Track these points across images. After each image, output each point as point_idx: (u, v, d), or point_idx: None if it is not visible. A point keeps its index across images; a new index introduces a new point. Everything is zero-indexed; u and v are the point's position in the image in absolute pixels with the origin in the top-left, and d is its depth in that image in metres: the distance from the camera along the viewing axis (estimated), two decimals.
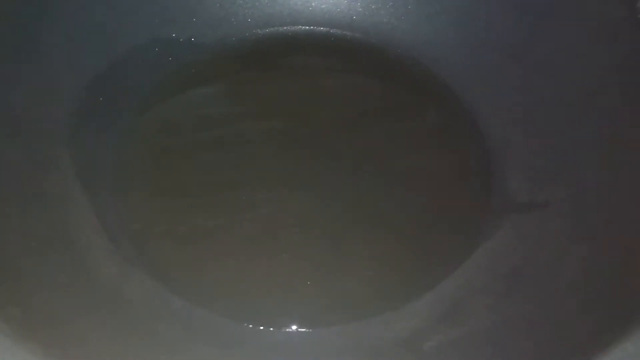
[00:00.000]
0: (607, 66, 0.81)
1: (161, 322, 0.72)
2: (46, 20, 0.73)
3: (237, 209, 0.81)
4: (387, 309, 0.73)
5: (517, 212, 0.80)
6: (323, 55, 0.97)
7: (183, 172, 0.82)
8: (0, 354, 0.60)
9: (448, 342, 0.69)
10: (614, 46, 0.81)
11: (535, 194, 0.80)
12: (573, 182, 0.78)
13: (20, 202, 0.73)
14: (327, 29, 0.97)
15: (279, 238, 0.79)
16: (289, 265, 0.77)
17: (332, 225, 0.80)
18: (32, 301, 0.64)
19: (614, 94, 0.80)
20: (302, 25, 0.98)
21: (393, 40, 0.95)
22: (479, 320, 0.71)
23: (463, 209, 0.81)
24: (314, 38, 0.97)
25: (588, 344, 0.58)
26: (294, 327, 0.73)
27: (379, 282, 0.75)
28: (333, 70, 0.96)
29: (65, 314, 0.66)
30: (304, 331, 0.72)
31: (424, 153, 0.87)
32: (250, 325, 0.73)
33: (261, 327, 0.72)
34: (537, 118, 0.85)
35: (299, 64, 0.96)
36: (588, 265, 0.70)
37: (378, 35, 0.96)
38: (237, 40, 0.95)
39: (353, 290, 0.75)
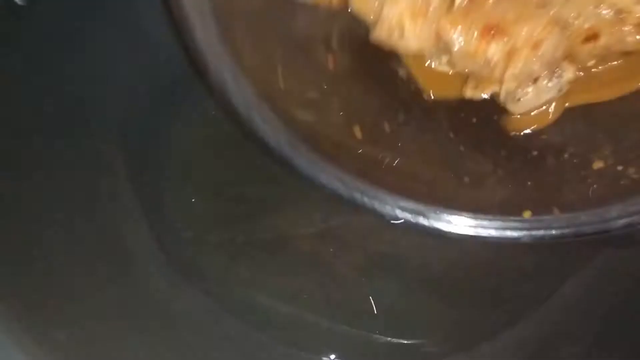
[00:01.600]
0: None
1: (212, 344, 0.68)
2: (99, 17, 0.66)
3: (298, 223, 0.74)
4: None
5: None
6: None
7: (243, 179, 0.75)
8: None
9: None
10: None
11: None
12: None
13: (70, 207, 0.68)
14: None
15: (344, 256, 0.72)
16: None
17: None
18: (79, 324, 0.60)
19: None
20: None
21: None
22: None
23: None
24: None
25: None
26: None
27: None
28: None
29: (112, 336, 0.62)
30: None
31: None
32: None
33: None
34: None
35: None
36: None
37: None
38: None
39: None
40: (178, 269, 0.71)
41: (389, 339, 0.71)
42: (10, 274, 0.65)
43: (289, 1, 0.60)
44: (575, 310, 0.71)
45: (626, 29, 0.59)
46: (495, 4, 0.58)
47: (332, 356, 0.70)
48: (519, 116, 0.62)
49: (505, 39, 0.58)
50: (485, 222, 0.54)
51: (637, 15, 0.58)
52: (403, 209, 0.52)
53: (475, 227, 0.53)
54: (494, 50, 0.58)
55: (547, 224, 0.54)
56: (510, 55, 0.59)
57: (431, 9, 0.58)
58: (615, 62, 0.62)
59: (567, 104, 0.63)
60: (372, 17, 0.59)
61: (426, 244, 0.72)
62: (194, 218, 0.74)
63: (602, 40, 0.60)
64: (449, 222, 0.53)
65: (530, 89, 0.62)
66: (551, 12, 0.58)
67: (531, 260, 0.73)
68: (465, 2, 0.58)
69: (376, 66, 0.62)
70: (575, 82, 0.61)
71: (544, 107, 0.63)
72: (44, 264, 0.63)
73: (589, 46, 0.60)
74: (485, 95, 0.62)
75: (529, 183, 0.60)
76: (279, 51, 0.58)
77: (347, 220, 0.73)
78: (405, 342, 0.71)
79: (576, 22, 0.59)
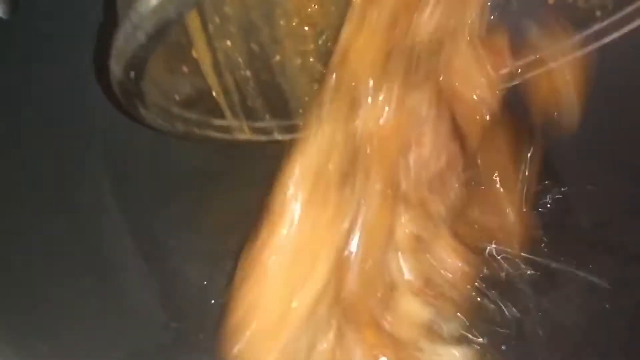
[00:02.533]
0: None
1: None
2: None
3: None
4: None
5: None
6: None
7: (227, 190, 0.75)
8: None
9: None
10: None
11: None
12: None
13: (50, 218, 0.67)
14: None
15: None
16: None
17: None
18: (61, 336, 0.59)
19: None
20: None
21: None
22: None
23: None
24: None
25: None
26: None
27: None
28: None
29: (94, 346, 0.61)
30: None
31: None
32: None
33: None
34: None
35: None
36: None
37: None
38: None
39: None
40: (159, 278, 0.71)
41: None
42: None
43: None
44: None
45: None
46: None
47: None
48: None
49: None
50: None
51: None
52: None
53: None
54: None
55: None
56: None
57: None
58: None
59: None
60: None
61: None
62: (177, 227, 0.74)
63: None
64: None
65: None
66: None
67: None
68: None
69: None
70: None
71: None
72: (24, 275, 0.63)
73: None
74: None
75: None
76: None
77: None
78: None
79: None
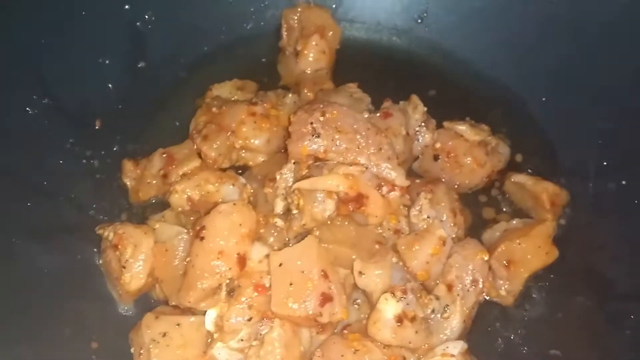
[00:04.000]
0: None
1: None
2: None
3: None
4: None
5: None
6: None
7: None
8: None
9: None
10: None
11: None
12: None
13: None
14: None
15: None
16: None
17: None
18: (43, 340, 0.62)
19: None
20: None
21: None
22: None
23: None
24: None
25: None
26: None
27: None
28: None
29: (75, 349, 0.63)
30: None
31: None
32: None
33: None
34: None
35: None
36: None
37: None
38: None
39: None
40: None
41: None
42: None
43: None
44: None
45: None
46: None
47: None
48: None
49: None
50: None
51: None
52: None
53: None
54: None
55: None
56: None
57: None
58: None
59: None
60: None
61: None
62: None
63: None
64: None
65: None
66: None
67: None
68: None
69: None
70: None
71: None
72: (8, 284, 0.65)
73: None
74: None
75: None
76: None
77: None
78: None
79: None
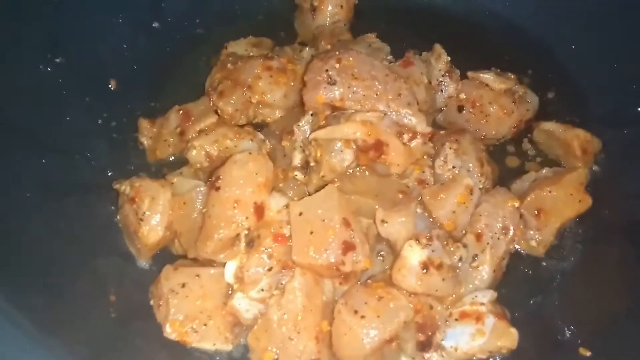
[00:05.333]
0: None
1: None
2: None
3: None
4: None
5: None
6: None
7: None
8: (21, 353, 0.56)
9: None
10: None
11: None
12: None
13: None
14: None
15: None
16: None
17: None
18: (55, 290, 0.61)
19: None
20: None
21: None
22: None
23: None
24: None
25: None
26: None
27: None
28: None
29: (84, 300, 0.62)
30: None
31: None
32: None
33: None
34: None
35: None
36: None
37: None
38: None
39: None
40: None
41: None
42: None
43: None
44: None
45: None
46: None
47: None
48: None
49: None
50: None
51: None
52: None
53: None
54: None
55: None
56: None
57: None
58: None
59: None
60: None
61: None
62: None
63: None
64: None
65: None
66: None
67: None
68: None
69: None
70: None
71: None
72: (21, 235, 0.64)
73: None
74: None
75: None
76: None
77: None
78: None
79: None
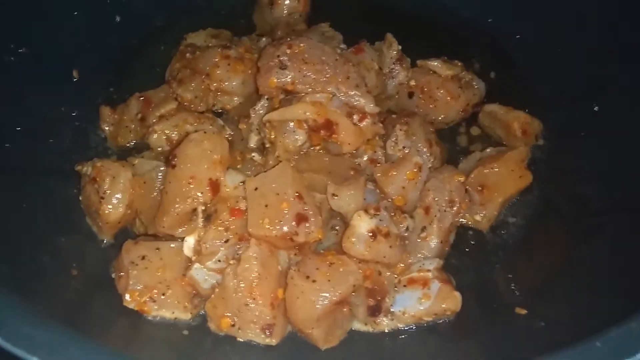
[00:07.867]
0: None
1: None
2: None
3: None
4: None
5: None
6: None
7: None
8: None
9: None
10: None
11: None
12: None
13: None
14: None
15: None
16: None
17: None
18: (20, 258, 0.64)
19: None
20: None
21: None
22: None
23: None
24: None
25: None
26: None
27: None
28: None
29: (49, 269, 0.66)
30: None
31: None
32: None
33: None
34: None
35: None
36: None
37: None
38: None
39: None
40: None
41: None
42: None
43: None
44: None
45: None
46: None
47: None
48: None
49: None
50: None
51: None
52: None
53: None
54: None
55: None
56: None
57: None
58: None
59: None
60: None
61: None
62: None
63: None
64: None
65: None
66: None
67: None
68: None
69: None
70: None
71: None
72: None
73: None
74: None
75: None
76: None
77: None
78: None
79: None
